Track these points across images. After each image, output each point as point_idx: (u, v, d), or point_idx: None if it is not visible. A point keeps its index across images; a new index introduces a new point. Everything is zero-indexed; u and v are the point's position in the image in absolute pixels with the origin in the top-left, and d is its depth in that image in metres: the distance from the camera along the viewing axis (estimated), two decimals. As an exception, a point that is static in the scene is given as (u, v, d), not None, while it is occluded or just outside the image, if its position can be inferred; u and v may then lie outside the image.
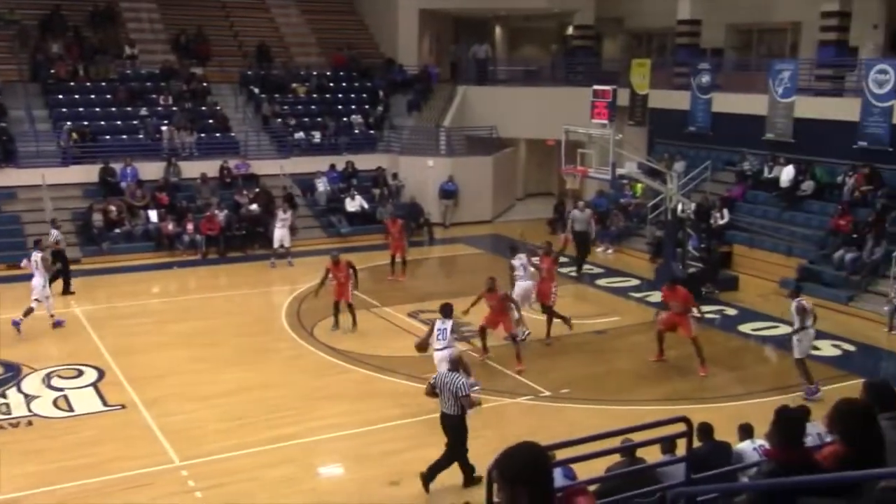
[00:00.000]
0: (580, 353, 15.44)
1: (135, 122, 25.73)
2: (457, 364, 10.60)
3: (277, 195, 24.36)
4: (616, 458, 7.97)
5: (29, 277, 16.51)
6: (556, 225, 25.79)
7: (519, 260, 16.28)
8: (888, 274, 17.60)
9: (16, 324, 15.81)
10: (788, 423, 4.69)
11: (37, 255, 16.41)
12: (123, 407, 12.72)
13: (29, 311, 16.01)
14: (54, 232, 18.97)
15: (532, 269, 16.10)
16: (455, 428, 10.31)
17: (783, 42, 26.96)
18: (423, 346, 13.06)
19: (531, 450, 3.42)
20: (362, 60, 30.85)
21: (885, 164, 20.10)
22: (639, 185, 24.01)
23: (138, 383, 13.52)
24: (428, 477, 10.25)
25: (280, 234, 21.46)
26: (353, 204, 24.95)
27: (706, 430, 8.85)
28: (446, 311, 12.98)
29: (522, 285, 16.05)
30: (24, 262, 17.17)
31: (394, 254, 20.42)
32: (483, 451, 9.57)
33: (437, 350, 12.71)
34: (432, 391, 10.52)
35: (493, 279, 14.86)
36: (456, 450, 10.31)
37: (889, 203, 19.34)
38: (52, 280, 17.34)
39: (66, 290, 18.78)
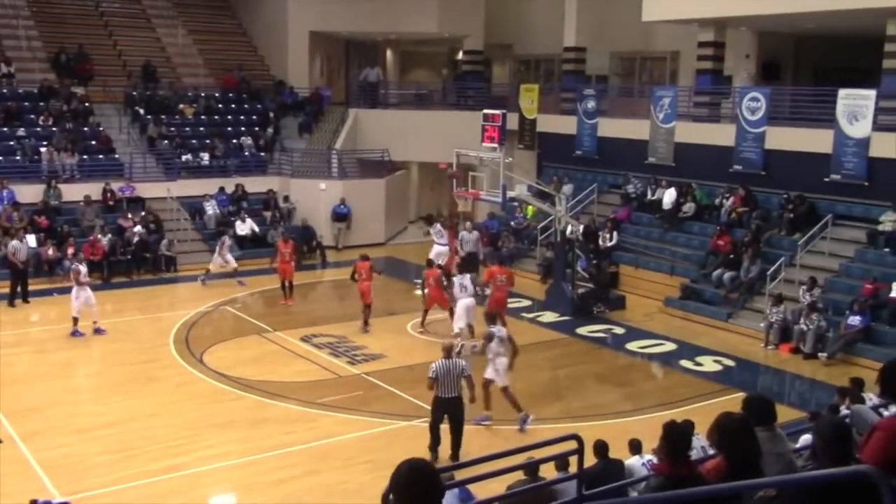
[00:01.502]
0: (472, 374, 15.51)
1: (11, 142, 24.64)
2: (450, 352, 11.85)
3: (166, 218, 23.87)
4: (514, 477, 8.07)
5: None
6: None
7: (459, 279, 16.98)
8: (764, 292, 18.47)
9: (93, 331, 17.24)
10: (674, 438, 4.85)
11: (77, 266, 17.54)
12: (-1, 441, 12.12)
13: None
14: (13, 243, 18.94)
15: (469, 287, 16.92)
16: (458, 407, 11.62)
17: (664, 70, 27.99)
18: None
19: (413, 468, 3.38)
20: (252, 82, 30.48)
21: (759, 186, 21.11)
22: (530, 208, 24.45)
23: (15, 416, 12.87)
24: (456, 458, 11.21)
25: (229, 258, 21.90)
26: (244, 227, 24.56)
27: (601, 448, 9.07)
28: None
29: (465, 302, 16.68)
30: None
31: (283, 278, 20.16)
32: (374, 476, 9.51)
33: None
34: (433, 383, 11.52)
35: (430, 260, 18.27)
36: (461, 427, 11.62)
37: (763, 224, 20.31)
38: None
39: (24, 299, 19.54)
